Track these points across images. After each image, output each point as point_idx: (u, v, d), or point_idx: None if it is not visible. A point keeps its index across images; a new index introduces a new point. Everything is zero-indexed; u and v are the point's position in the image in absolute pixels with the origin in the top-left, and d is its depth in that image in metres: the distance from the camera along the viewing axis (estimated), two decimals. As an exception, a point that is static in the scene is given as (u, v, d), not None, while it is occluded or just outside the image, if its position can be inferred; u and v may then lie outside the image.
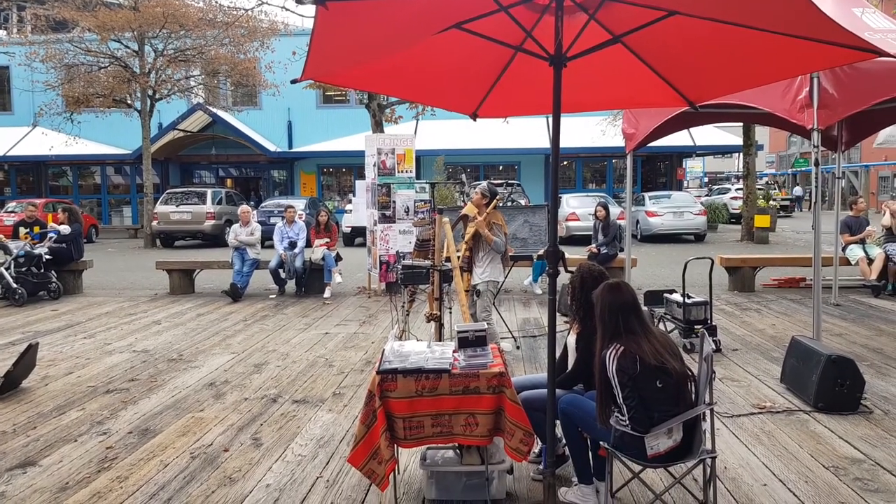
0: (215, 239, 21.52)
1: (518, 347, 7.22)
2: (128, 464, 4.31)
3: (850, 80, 5.42)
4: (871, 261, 10.02)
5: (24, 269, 10.55)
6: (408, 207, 10.73)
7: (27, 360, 6.03)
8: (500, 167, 29.85)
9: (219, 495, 3.85)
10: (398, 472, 3.97)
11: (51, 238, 11.05)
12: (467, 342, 3.61)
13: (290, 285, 11.21)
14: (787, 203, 35.69)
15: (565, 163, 29.41)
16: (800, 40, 2.99)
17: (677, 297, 7.03)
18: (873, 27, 5.86)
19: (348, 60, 3.37)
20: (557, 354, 3.66)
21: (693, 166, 43.27)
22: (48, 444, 4.67)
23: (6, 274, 10.27)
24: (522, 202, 18.85)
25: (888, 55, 2.99)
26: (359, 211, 12.49)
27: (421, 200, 10.70)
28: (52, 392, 5.89)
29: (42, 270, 10.81)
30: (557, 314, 3.63)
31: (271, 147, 28.48)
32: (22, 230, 11.12)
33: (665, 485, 3.77)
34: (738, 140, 23.37)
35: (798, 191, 42.91)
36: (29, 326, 8.77)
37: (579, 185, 29.51)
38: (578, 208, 19.72)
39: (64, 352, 7.34)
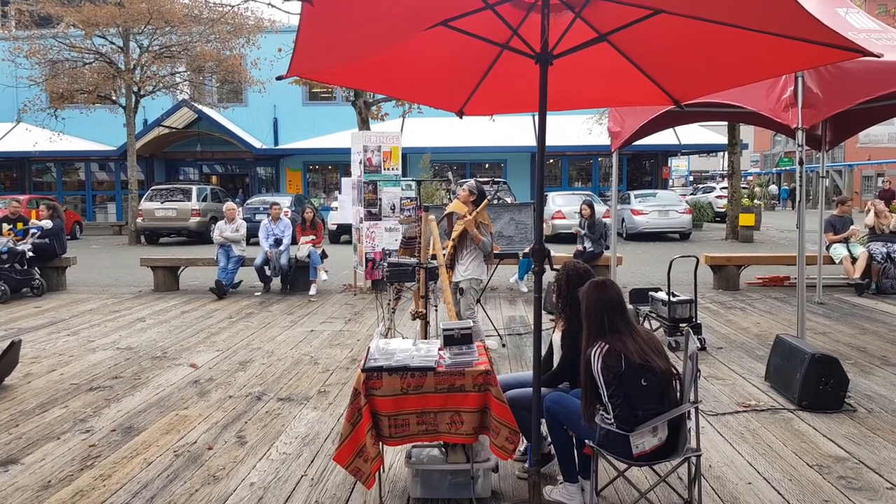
0: (200, 236, 21.47)
1: (504, 345, 7.22)
2: (111, 462, 4.28)
3: (835, 79, 5.45)
4: (854, 259, 10.10)
5: (7, 266, 10.44)
6: (394, 205, 10.70)
7: (10, 357, 5.97)
8: (487, 165, 29.89)
9: (202, 493, 3.82)
10: (383, 471, 3.96)
11: (34, 234, 10.96)
12: (453, 340, 3.61)
13: (276, 283, 11.16)
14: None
15: (551, 161, 29.49)
16: (785, 40, 3.00)
17: (662, 295, 7.05)
18: (857, 27, 5.91)
19: (334, 57, 3.35)
20: (543, 352, 3.66)
21: (678, 165, 43.36)
22: (30, 442, 4.63)
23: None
24: (508, 200, 18.90)
25: (872, 55, 3.01)
26: (345, 208, 12.44)
27: (407, 198, 10.68)
28: (34, 389, 5.83)
29: (25, 267, 10.72)
30: (543, 312, 3.63)
31: (257, 144, 28.36)
32: (5, 226, 11.00)
33: (650, 483, 3.78)
34: (723, 139, 23.51)
35: (774, 189, 43.30)
36: (12, 323, 8.68)
37: (565, 183, 29.60)
38: (564, 206, 19.76)
39: (47, 349, 7.28)
